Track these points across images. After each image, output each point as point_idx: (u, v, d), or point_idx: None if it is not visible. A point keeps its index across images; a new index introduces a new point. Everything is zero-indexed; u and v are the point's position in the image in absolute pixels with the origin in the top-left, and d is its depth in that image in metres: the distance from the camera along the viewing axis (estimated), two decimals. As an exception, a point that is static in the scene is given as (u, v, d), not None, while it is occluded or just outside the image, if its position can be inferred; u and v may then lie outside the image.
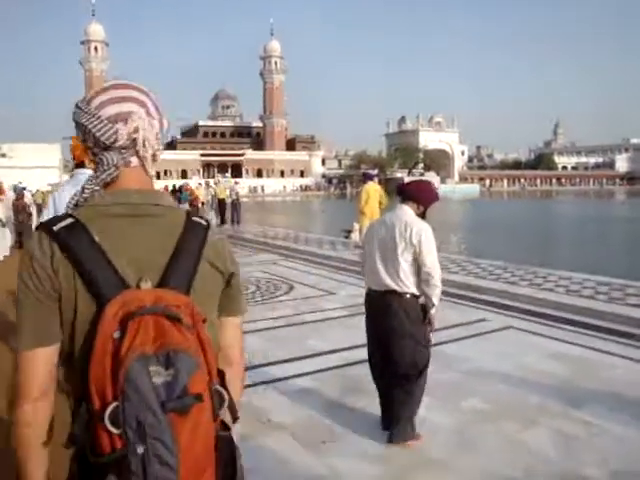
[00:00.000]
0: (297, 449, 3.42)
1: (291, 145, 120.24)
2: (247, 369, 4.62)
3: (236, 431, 1.04)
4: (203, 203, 20.73)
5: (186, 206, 18.30)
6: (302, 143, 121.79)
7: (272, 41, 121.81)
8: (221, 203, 21.29)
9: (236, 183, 23.57)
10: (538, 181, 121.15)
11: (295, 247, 12.94)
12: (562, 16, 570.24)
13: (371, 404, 3.87)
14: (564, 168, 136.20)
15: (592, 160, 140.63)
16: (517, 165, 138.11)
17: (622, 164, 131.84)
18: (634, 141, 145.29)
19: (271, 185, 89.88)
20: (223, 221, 21.05)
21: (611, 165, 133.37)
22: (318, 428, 3.70)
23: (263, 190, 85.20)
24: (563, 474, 3.10)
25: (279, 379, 4.55)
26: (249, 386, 4.40)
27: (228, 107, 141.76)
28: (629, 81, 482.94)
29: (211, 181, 24.91)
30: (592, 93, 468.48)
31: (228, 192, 21.34)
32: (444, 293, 7.69)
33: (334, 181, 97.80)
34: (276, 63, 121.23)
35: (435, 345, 4.19)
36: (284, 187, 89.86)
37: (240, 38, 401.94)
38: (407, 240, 3.40)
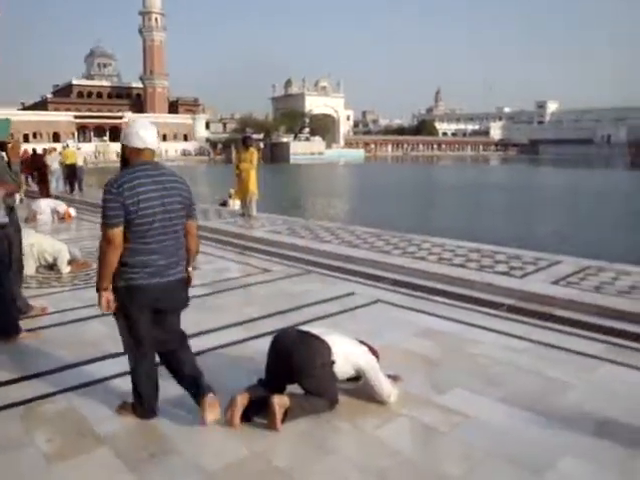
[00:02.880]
0: (117, 469, 2.83)
1: (174, 108, 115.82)
2: (75, 366, 4.00)
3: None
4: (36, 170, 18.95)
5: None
6: (185, 106, 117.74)
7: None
8: (69, 169, 19.46)
9: (78, 149, 22.24)
10: (420, 146, 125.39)
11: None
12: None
13: (223, 402, 3.32)
14: (444, 134, 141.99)
15: (470, 127, 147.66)
16: (401, 131, 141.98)
17: (496, 131, 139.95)
18: (507, 110, 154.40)
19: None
20: (73, 188, 19.45)
21: (486, 132, 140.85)
22: (149, 437, 3.13)
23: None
24: (419, 476, 2.76)
25: (110, 377, 3.87)
26: (72, 389, 3.73)
27: (105, 66, 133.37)
28: (506, 53, 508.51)
29: (59, 145, 23.14)
30: (471, 63, 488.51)
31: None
32: (316, 265, 7.38)
33: (219, 145, 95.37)
34: (157, 19, 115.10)
35: (300, 324, 3.79)
36: (166, 151, 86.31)
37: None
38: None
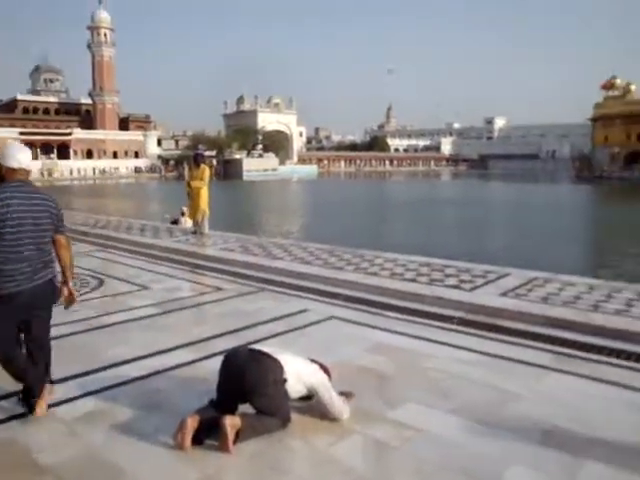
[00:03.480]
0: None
1: (125, 124, 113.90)
2: (17, 393, 3.82)
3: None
4: None
5: None
6: (136, 122, 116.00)
7: (101, 10, 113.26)
8: None
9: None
10: (373, 162, 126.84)
11: (115, 236, 11.79)
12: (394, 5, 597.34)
13: (174, 425, 3.24)
14: (396, 150, 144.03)
15: (421, 143, 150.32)
16: (353, 147, 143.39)
17: (447, 147, 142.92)
18: (457, 126, 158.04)
19: (101, 167, 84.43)
20: None
21: (438, 148, 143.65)
22: (96, 465, 3.03)
23: (101, 172, 79.77)
24: (374, 493, 2.76)
25: (58, 403, 3.74)
26: (14, 417, 3.58)
27: (52, 81, 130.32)
28: (456, 69, 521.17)
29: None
30: (421, 79, 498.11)
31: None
32: (269, 282, 7.34)
33: (171, 162, 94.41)
34: (106, 35, 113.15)
35: (253, 343, 3.75)
36: (116, 169, 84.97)
37: (65, 3, 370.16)
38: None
